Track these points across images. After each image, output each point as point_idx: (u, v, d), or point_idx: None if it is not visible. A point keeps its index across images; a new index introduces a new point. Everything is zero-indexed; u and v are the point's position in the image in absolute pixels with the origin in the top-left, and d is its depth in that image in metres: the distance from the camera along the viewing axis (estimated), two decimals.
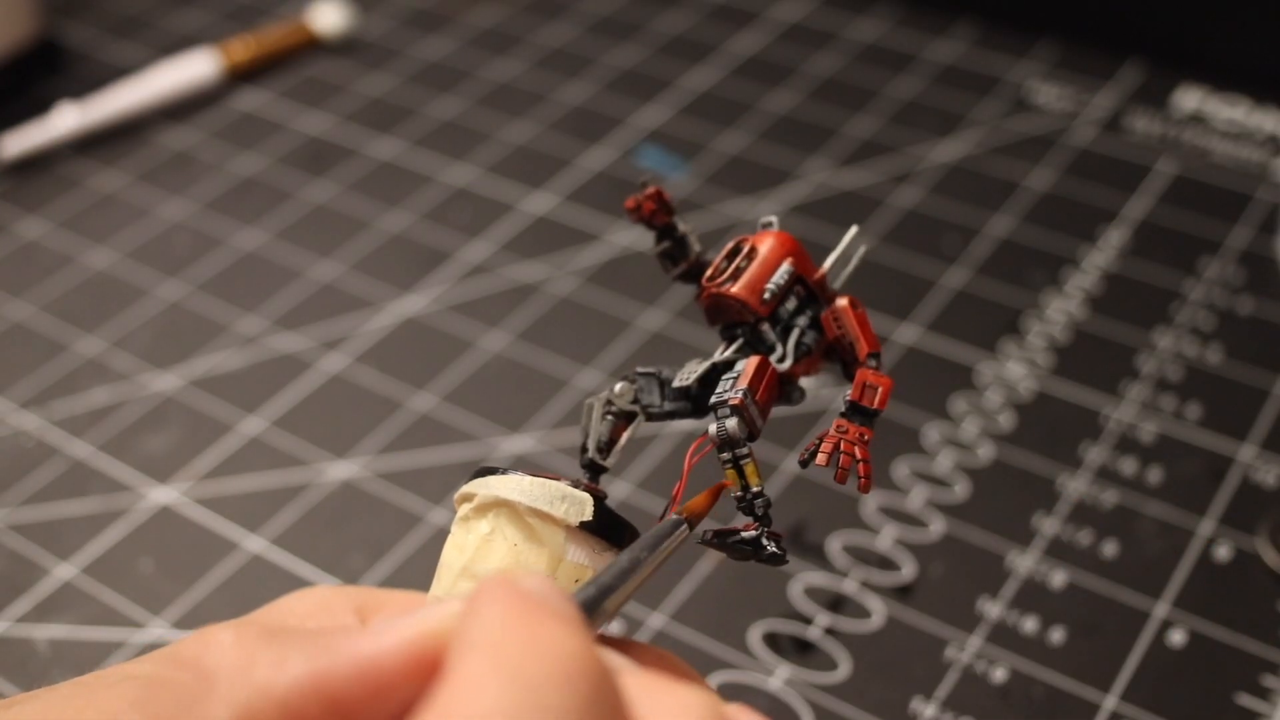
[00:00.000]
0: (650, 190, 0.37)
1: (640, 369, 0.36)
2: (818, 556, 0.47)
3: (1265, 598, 0.46)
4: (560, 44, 0.78)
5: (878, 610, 0.46)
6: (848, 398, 0.34)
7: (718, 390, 0.34)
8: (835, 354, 0.36)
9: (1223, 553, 0.47)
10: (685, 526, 0.32)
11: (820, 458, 0.34)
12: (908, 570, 0.47)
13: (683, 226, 0.37)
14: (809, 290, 0.36)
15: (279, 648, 0.25)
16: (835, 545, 0.48)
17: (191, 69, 0.74)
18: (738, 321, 0.36)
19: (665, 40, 0.77)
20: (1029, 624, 0.45)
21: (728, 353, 0.35)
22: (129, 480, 0.52)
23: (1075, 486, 0.50)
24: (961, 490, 0.50)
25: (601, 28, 0.79)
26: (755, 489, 0.33)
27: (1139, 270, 0.60)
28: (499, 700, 0.22)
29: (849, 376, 0.36)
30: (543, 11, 0.81)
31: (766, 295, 0.35)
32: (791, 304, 0.36)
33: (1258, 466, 0.50)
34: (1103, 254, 0.61)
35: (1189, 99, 0.70)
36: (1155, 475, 0.50)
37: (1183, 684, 0.43)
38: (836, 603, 0.46)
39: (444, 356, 0.57)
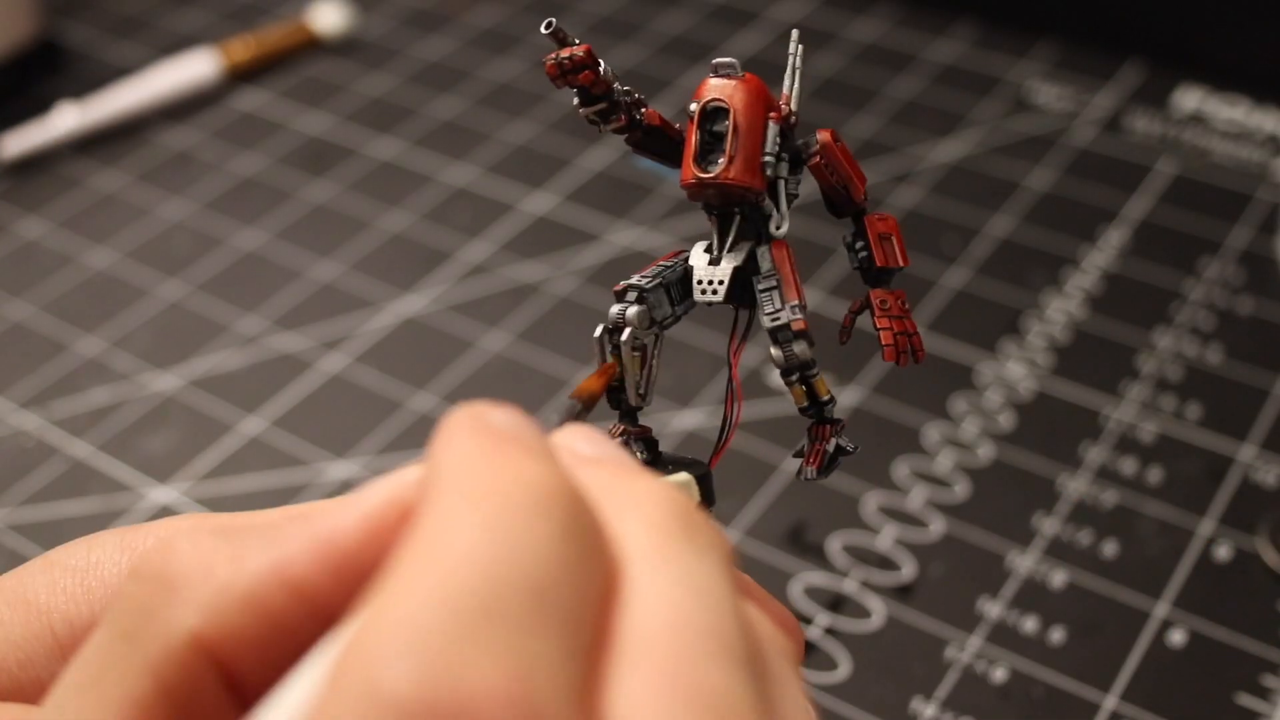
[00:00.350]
0: (581, 48, 0.32)
1: (642, 282, 0.34)
2: (818, 556, 0.47)
3: (1265, 597, 0.46)
4: None
5: (878, 610, 0.46)
6: (866, 259, 0.33)
7: (766, 309, 0.32)
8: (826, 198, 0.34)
9: (1223, 552, 0.47)
10: (582, 410, 0.30)
11: (888, 351, 0.33)
12: (908, 570, 0.47)
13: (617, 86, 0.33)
14: (782, 132, 0.33)
15: (236, 543, 0.24)
16: (835, 545, 0.48)
17: (191, 69, 0.74)
18: (739, 200, 0.33)
19: (665, 40, 0.77)
20: (1029, 624, 0.45)
21: (730, 241, 0.33)
22: (129, 480, 0.52)
23: (1075, 486, 0.50)
24: (961, 490, 0.50)
25: (602, 28, 0.79)
26: (826, 397, 0.33)
27: (1139, 270, 0.60)
28: (476, 539, 0.21)
29: (837, 215, 0.35)
30: (542, 11, 0.81)
31: (768, 171, 0.33)
32: (769, 157, 0.33)
33: (1257, 466, 0.50)
34: (1103, 254, 0.61)
35: (1189, 99, 0.70)
36: (1155, 475, 0.50)
37: (1183, 684, 0.43)
38: (836, 603, 0.46)
39: (444, 356, 0.57)
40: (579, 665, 0.20)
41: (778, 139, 0.33)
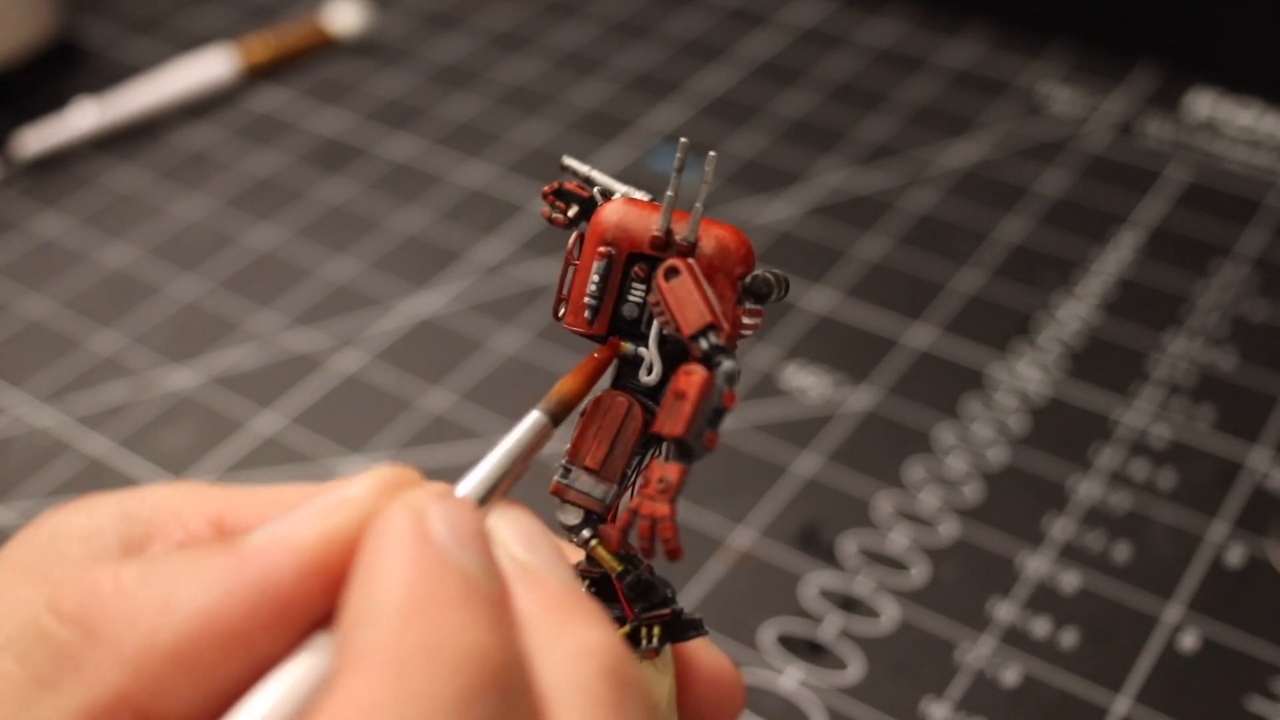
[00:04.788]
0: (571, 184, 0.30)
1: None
2: (829, 557, 0.48)
3: (1276, 602, 0.46)
4: (576, 45, 0.78)
5: (889, 611, 0.46)
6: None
7: None
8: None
9: (1234, 557, 0.47)
10: (548, 421, 0.27)
11: (608, 543, 0.27)
12: (920, 572, 0.47)
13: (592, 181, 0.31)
14: (653, 258, 0.28)
15: (164, 584, 0.22)
16: (848, 546, 0.48)
17: (209, 67, 0.74)
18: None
19: (681, 43, 0.78)
20: (1041, 627, 0.45)
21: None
22: (145, 476, 0.52)
23: (1087, 490, 0.50)
24: (974, 493, 0.50)
25: (617, 29, 0.79)
26: (618, 571, 0.28)
27: (1152, 274, 0.60)
28: None
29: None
30: (559, 12, 0.81)
31: (587, 314, 0.29)
32: (637, 293, 0.29)
33: (1269, 471, 0.50)
34: (1115, 258, 0.61)
35: (1202, 103, 0.70)
36: (1167, 479, 0.50)
37: (1193, 688, 0.43)
38: (849, 604, 0.46)
39: (458, 355, 0.57)
40: None
41: (601, 272, 0.29)
